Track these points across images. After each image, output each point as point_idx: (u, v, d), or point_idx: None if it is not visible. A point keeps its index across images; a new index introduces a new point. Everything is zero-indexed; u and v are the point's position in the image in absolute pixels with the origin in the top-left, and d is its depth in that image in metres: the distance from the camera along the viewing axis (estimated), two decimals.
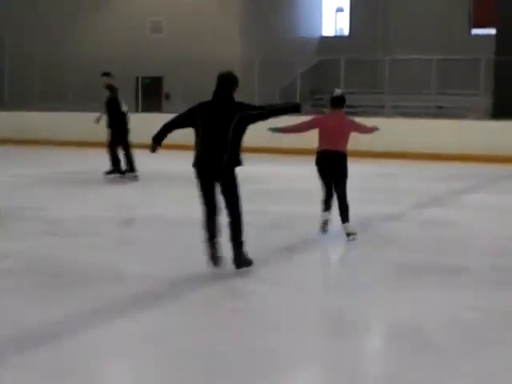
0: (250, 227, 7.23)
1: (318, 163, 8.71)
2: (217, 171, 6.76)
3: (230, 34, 25.54)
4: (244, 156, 6.84)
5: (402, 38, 27.01)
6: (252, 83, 23.13)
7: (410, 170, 17.59)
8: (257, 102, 23.54)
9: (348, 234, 8.55)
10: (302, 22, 28.64)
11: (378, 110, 25.81)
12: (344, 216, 8.57)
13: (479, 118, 22.45)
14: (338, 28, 30.00)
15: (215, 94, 6.87)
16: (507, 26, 21.85)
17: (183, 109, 7.12)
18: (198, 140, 6.84)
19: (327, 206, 8.81)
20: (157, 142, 7.08)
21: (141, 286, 6.43)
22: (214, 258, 6.84)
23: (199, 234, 6.90)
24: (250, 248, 6.85)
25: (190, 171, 6.88)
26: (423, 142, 20.05)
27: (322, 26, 29.90)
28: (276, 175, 16.11)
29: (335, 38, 29.73)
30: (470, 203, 12.14)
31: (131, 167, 14.28)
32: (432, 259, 7.70)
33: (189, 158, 7.02)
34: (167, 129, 7.06)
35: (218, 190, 6.84)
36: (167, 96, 26.23)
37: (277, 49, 25.62)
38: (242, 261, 6.81)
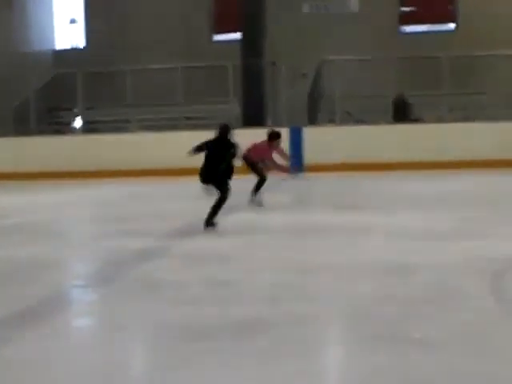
0: None
1: None
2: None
3: None
4: None
5: (142, 47, 25.59)
6: None
7: (162, 189, 16.06)
8: None
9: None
10: (33, 34, 26.37)
11: (123, 125, 24.23)
12: None
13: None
14: (72, 40, 28.02)
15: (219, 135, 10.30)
16: (251, 31, 21.01)
17: None
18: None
19: None
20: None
21: None
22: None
23: None
24: None
25: None
26: (174, 156, 18.61)
27: (55, 39, 27.77)
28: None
29: (71, 50, 27.73)
30: (242, 225, 10.70)
31: None
32: (214, 312, 6.08)
33: None
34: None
35: None
36: None
37: (7, 64, 23.24)
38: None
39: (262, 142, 12.80)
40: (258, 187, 12.45)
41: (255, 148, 12.67)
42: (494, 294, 6.37)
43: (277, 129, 19.10)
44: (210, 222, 9.86)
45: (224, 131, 10.30)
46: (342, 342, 5.34)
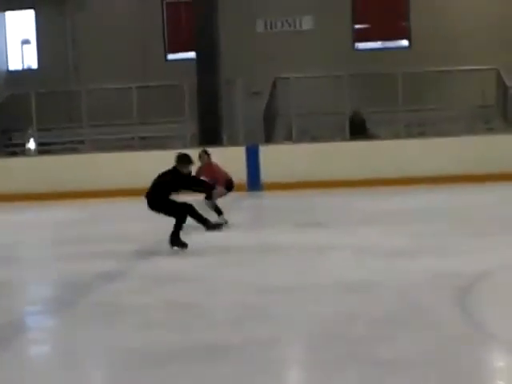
0: None
1: None
2: None
3: None
4: None
5: (95, 67, 25.34)
6: None
7: (120, 209, 15.88)
8: None
9: None
10: None
11: (77, 146, 23.98)
12: None
13: (186, 147, 21.37)
14: (25, 61, 27.68)
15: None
16: (205, 50, 20.94)
17: None
18: None
19: None
20: None
21: None
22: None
23: None
24: None
25: None
26: (130, 176, 18.44)
27: (7, 60, 27.41)
28: None
29: (23, 71, 27.37)
30: (202, 246, 10.57)
31: None
32: (176, 336, 5.94)
33: None
34: None
35: None
36: None
37: None
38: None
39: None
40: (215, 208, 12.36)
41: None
42: (456, 311, 6.33)
43: (233, 148, 19.10)
44: (175, 240, 9.64)
45: (176, 162, 9.91)
46: (306, 365, 5.25)
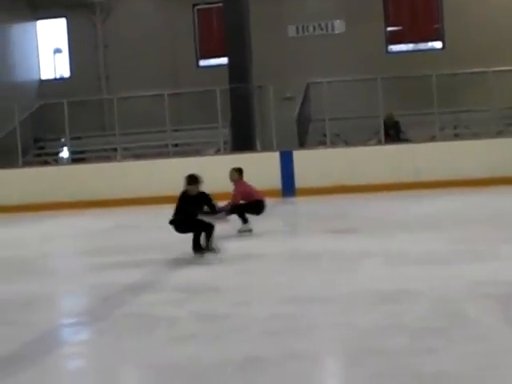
0: None
1: None
2: None
3: None
4: None
5: (127, 74, 25.37)
6: None
7: (151, 218, 15.76)
8: None
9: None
10: (18, 65, 26.10)
11: (109, 154, 24.00)
12: None
13: (219, 153, 21.32)
14: (57, 70, 27.76)
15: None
16: (237, 55, 20.84)
17: None
18: None
19: None
20: None
21: None
22: None
23: None
24: None
25: None
26: (163, 184, 18.33)
27: (40, 69, 27.51)
28: None
29: (55, 80, 27.46)
30: (233, 254, 10.42)
31: None
32: (209, 350, 5.79)
33: None
34: None
35: None
36: None
37: None
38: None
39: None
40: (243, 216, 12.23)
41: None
42: (503, 320, 6.08)
43: (267, 153, 18.98)
44: (206, 247, 9.72)
45: (185, 184, 9.95)
46: (343, 379, 5.06)
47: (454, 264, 8.58)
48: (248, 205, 12.31)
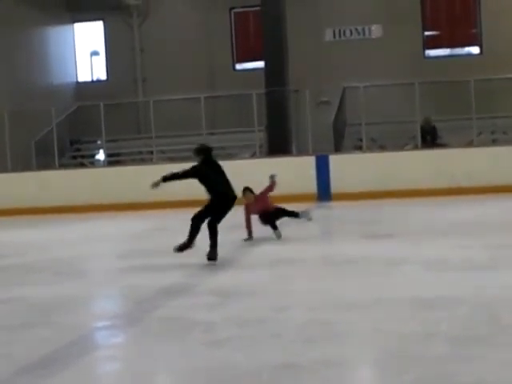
0: None
1: None
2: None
3: None
4: None
5: (163, 77, 25.45)
6: (2, 136, 20.72)
7: (187, 221, 15.70)
8: (9, 155, 21.04)
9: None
10: (55, 67, 26.27)
11: (145, 156, 24.09)
12: None
13: (255, 156, 21.29)
14: (94, 72, 27.92)
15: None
16: (273, 59, 20.79)
17: None
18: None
19: None
20: None
21: None
22: None
23: None
24: None
25: None
26: (196, 187, 18.26)
27: (77, 71, 27.68)
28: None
29: (92, 82, 27.63)
30: (268, 258, 10.34)
31: None
32: (244, 355, 5.72)
33: None
34: None
35: None
36: None
37: (30, 98, 23.13)
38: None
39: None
40: (275, 219, 12.14)
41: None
42: None
43: (303, 157, 18.89)
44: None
45: (209, 152, 10.66)
46: None
47: (492, 270, 8.44)
48: (279, 211, 12.28)
